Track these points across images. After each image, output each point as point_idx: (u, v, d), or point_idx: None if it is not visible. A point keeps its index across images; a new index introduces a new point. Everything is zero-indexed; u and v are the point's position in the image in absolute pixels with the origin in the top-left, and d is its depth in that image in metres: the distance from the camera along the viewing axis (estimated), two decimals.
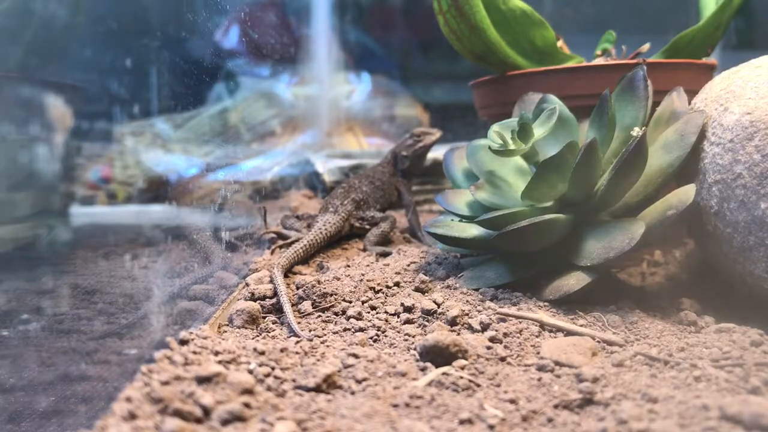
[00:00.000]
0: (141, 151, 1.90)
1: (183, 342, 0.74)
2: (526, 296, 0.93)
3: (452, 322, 0.86)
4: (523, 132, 0.96)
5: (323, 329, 0.89)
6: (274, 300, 0.97)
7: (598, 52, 1.34)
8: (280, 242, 1.29)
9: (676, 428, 0.57)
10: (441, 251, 1.17)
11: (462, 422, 0.60)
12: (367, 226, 1.34)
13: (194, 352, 0.71)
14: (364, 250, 1.29)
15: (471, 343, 0.78)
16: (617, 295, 0.96)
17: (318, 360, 0.75)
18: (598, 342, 0.80)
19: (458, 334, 0.83)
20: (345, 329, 0.88)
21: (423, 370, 0.73)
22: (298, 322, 0.91)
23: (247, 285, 1.05)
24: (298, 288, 1.01)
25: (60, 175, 1.40)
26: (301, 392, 0.67)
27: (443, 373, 0.70)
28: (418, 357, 0.77)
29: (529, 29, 1.26)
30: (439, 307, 0.90)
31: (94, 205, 1.71)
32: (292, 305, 0.96)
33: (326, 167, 1.78)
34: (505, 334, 0.82)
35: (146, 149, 1.93)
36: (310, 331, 0.88)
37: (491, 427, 0.60)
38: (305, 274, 1.13)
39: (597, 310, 0.90)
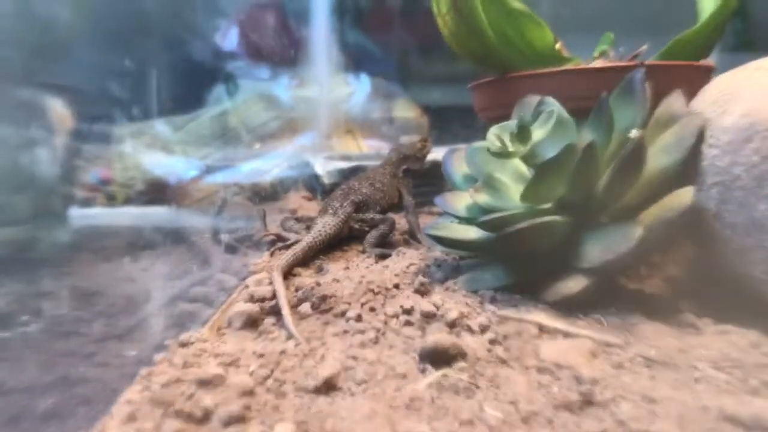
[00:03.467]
0: (140, 153, 1.90)
1: (183, 344, 0.74)
2: (526, 298, 0.93)
3: (452, 324, 0.86)
4: (521, 134, 0.96)
5: (322, 331, 0.89)
6: (273, 302, 0.97)
7: (597, 54, 1.34)
8: (280, 244, 1.29)
9: (676, 429, 0.57)
10: (440, 253, 1.17)
11: (462, 424, 0.61)
12: (367, 228, 1.34)
13: (194, 355, 0.71)
14: (364, 252, 1.29)
15: (471, 345, 0.78)
16: (616, 297, 0.96)
17: (318, 362, 0.75)
18: (598, 344, 0.80)
19: (458, 336, 0.83)
20: (344, 331, 0.88)
21: (423, 372, 0.73)
22: (297, 325, 0.91)
23: (247, 287, 1.05)
24: (297, 290, 1.01)
25: (60, 177, 1.40)
26: (301, 394, 0.67)
27: (443, 375, 0.71)
28: (417, 359, 0.77)
29: (527, 31, 1.26)
30: (438, 309, 0.90)
31: (94, 207, 1.71)
32: (292, 307, 0.96)
33: (325, 169, 1.78)
34: (505, 336, 0.82)
35: (146, 151, 1.92)
36: (309, 333, 0.88)
37: (491, 428, 0.60)
38: (304, 276, 1.13)
39: (596, 312, 0.90)
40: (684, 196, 0.88)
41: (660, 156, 0.95)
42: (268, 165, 1.99)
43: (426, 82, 2.80)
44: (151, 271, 1.07)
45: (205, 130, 2.13)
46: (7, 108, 1.21)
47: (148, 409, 0.58)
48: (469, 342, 0.79)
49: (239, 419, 0.59)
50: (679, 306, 0.93)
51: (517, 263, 1.01)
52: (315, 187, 1.85)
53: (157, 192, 1.72)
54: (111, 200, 1.77)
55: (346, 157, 1.96)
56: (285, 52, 2.41)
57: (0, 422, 0.69)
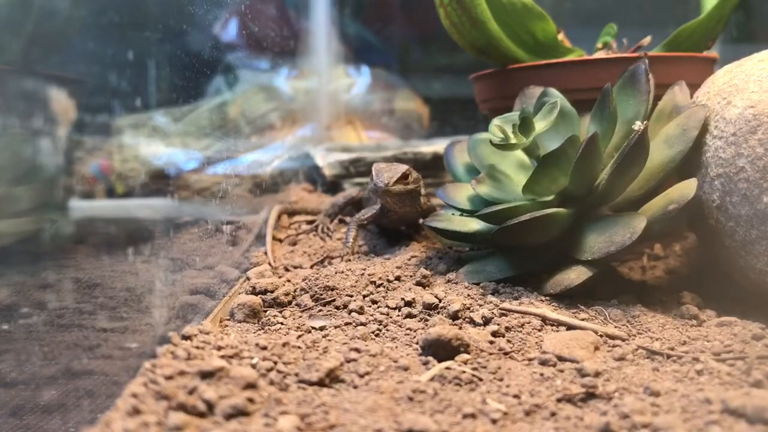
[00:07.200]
0: (140, 144, 1.89)
1: (186, 337, 0.74)
2: (528, 290, 0.93)
3: (454, 317, 0.86)
4: (524, 126, 0.96)
5: (325, 323, 0.89)
6: (272, 294, 0.97)
7: (599, 45, 1.33)
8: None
9: (679, 422, 0.57)
10: (442, 246, 1.17)
11: (465, 416, 0.60)
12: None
13: (197, 347, 0.71)
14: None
15: (473, 337, 0.78)
16: (618, 289, 0.96)
17: (320, 354, 0.75)
18: (600, 336, 0.80)
19: (460, 328, 0.83)
20: (347, 323, 0.88)
21: (425, 364, 0.73)
22: (300, 316, 0.91)
23: (248, 279, 1.05)
24: (301, 281, 1.01)
25: (62, 169, 1.39)
26: (304, 386, 0.67)
27: (446, 368, 0.71)
28: (420, 351, 0.77)
29: (529, 22, 1.26)
30: (440, 302, 0.90)
31: (94, 199, 1.71)
32: (292, 300, 0.97)
33: (326, 161, 1.77)
34: (507, 328, 0.82)
35: (145, 142, 1.92)
36: (311, 328, 0.88)
37: (494, 421, 0.60)
38: (306, 269, 1.13)
39: (598, 304, 0.90)
40: (687, 188, 0.88)
41: (663, 148, 0.94)
42: (268, 156, 1.98)
43: (427, 74, 2.78)
44: (152, 263, 1.07)
45: (205, 122, 2.12)
46: (8, 99, 1.20)
47: (152, 402, 0.58)
48: (472, 334, 0.79)
49: (243, 412, 0.59)
50: (681, 298, 0.93)
51: (519, 255, 1.01)
52: (315, 179, 1.84)
53: (157, 183, 1.72)
54: (111, 192, 1.76)
55: (346, 149, 1.95)
56: (285, 43, 2.39)
57: (3, 414, 0.69)
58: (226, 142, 1.95)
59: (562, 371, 0.71)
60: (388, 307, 0.91)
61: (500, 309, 0.87)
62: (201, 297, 0.97)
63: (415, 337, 0.83)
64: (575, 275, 0.90)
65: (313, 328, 0.87)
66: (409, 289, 0.96)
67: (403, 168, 1.13)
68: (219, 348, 0.72)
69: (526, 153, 1.03)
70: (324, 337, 0.82)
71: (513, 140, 0.96)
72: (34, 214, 1.25)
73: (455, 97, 2.50)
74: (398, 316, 0.89)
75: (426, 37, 2.76)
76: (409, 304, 0.91)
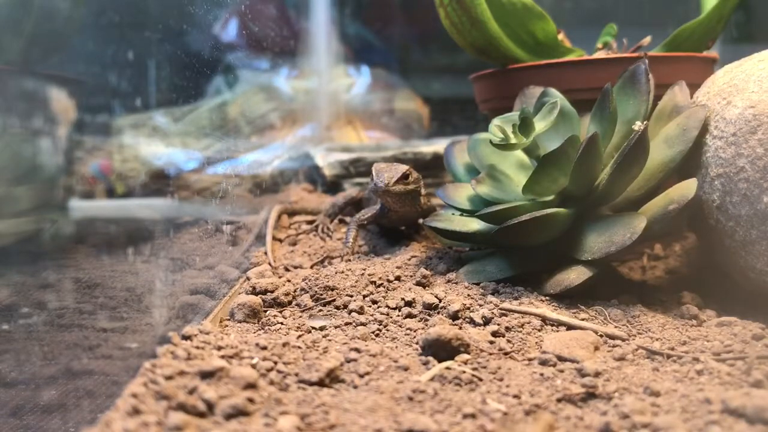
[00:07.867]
0: (140, 144, 1.89)
1: (186, 337, 0.74)
2: (528, 290, 0.93)
3: (454, 317, 0.86)
4: (524, 126, 0.96)
5: (325, 323, 0.89)
6: (272, 294, 0.97)
7: (599, 45, 1.33)
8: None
9: (679, 422, 0.57)
10: (442, 246, 1.17)
11: (465, 416, 0.60)
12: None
13: (197, 347, 0.71)
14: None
15: (473, 337, 0.78)
16: (618, 289, 0.96)
17: (320, 354, 0.75)
18: (600, 336, 0.80)
19: (460, 328, 0.83)
20: (347, 323, 0.88)
21: (425, 364, 0.73)
22: (300, 316, 0.91)
23: (248, 279, 1.05)
24: (301, 281, 1.01)
25: (62, 169, 1.39)
26: (304, 386, 0.67)
27: (446, 368, 0.71)
28: (420, 351, 0.77)
29: (529, 22, 1.26)
30: (440, 302, 0.90)
31: (94, 199, 1.71)
32: (292, 300, 0.97)
33: (326, 161, 1.77)
34: (507, 328, 0.82)
35: (145, 142, 1.92)
36: (311, 328, 0.88)
37: (494, 421, 0.60)
38: (307, 269, 1.13)
39: (599, 304, 0.90)
40: (687, 188, 0.88)
41: (663, 148, 0.94)
42: (268, 156, 1.98)
43: (427, 74, 2.78)
44: (152, 263, 1.07)
45: (205, 122, 2.12)
46: (9, 99, 1.20)
47: (152, 402, 0.58)
48: (472, 334, 0.79)
49: (242, 412, 0.59)
50: (681, 298, 0.93)
51: (519, 255, 1.01)
52: (315, 179, 1.84)
53: (157, 183, 1.72)
54: (111, 192, 1.76)
55: (346, 149, 1.95)
56: (285, 43, 2.39)
57: (3, 415, 0.69)
58: (226, 142, 1.94)
59: (562, 371, 0.71)
60: (388, 307, 0.91)
61: (500, 309, 0.87)
62: (201, 297, 0.97)
63: (415, 337, 0.83)
64: (575, 275, 0.90)
65: (313, 328, 0.87)
66: (409, 289, 0.96)
67: (403, 168, 1.13)
68: (219, 348, 0.72)
69: (526, 153, 1.03)
70: (324, 337, 0.82)
71: (513, 140, 0.96)
72: (34, 214, 1.25)
73: (455, 97, 2.50)
74: (398, 316, 0.89)
75: (426, 37, 2.76)
76: (409, 304, 0.91)
